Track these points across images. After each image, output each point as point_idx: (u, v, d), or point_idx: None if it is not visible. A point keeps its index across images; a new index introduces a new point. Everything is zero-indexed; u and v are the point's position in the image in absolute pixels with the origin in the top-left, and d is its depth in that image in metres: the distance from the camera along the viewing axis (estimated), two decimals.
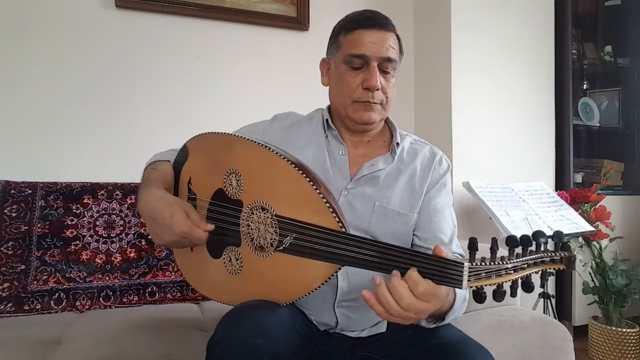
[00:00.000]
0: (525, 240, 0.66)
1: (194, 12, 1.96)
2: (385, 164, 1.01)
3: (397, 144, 1.03)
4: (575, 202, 2.13)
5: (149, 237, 1.58)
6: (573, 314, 2.26)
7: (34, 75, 1.75)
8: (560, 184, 2.37)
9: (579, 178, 2.53)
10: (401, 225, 0.99)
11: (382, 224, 0.97)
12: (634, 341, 1.96)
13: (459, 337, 0.85)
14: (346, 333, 0.97)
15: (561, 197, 2.11)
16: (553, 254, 0.69)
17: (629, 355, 1.96)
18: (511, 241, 0.65)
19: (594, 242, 2.06)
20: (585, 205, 2.12)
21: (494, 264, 0.65)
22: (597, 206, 2.10)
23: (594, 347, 2.04)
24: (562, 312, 2.29)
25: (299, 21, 2.13)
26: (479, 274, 0.65)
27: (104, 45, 1.84)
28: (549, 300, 1.97)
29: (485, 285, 0.65)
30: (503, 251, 0.68)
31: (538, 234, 0.67)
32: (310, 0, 2.14)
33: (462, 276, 0.64)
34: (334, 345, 0.95)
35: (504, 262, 0.65)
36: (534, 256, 0.67)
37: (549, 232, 1.83)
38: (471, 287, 0.65)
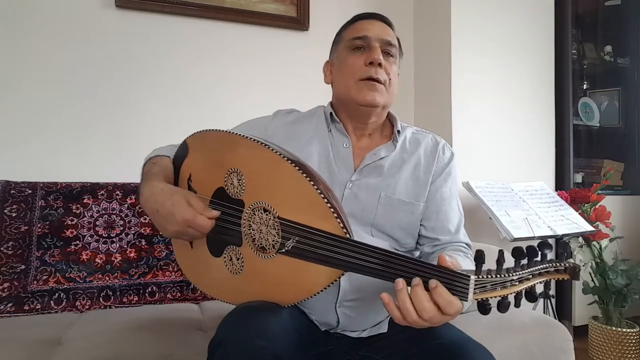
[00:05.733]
0: (531, 251, 0.66)
1: (194, 12, 1.96)
2: (387, 152, 1.01)
3: (398, 132, 1.04)
4: (575, 202, 2.13)
5: (150, 234, 1.59)
6: (573, 314, 2.26)
7: (34, 75, 1.75)
8: (560, 184, 2.37)
9: (579, 178, 2.53)
10: (408, 215, 0.99)
11: (388, 215, 0.97)
12: (634, 341, 1.96)
13: (459, 338, 0.85)
14: (347, 333, 0.97)
15: (561, 197, 2.11)
16: (558, 264, 0.68)
17: (629, 355, 1.96)
18: (517, 252, 0.65)
19: (594, 242, 2.06)
20: (585, 205, 2.12)
21: (500, 276, 0.64)
22: (597, 206, 2.10)
23: (594, 347, 2.04)
24: (562, 312, 2.29)
25: (299, 21, 2.13)
26: (485, 286, 0.65)
27: (104, 45, 1.84)
28: (549, 300, 1.97)
29: (491, 297, 0.65)
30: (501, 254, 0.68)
31: (543, 245, 0.67)
32: (310, 0, 2.14)
33: (468, 288, 0.64)
34: (334, 346, 0.95)
35: (510, 274, 0.65)
36: (539, 267, 0.67)
37: (549, 232, 1.84)
38: (476, 299, 0.65)
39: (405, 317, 0.68)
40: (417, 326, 0.69)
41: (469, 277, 0.64)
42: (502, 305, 0.66)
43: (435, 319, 0.67)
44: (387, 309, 0.70)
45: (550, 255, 0.69)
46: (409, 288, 0.68)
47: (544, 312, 1.94)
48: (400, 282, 0.69)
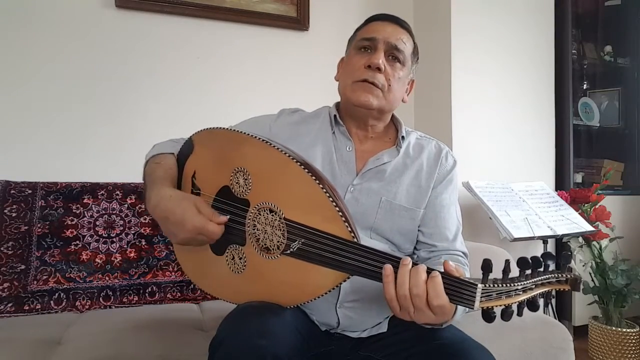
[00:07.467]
0: (535, 262, 0.67)
1: (194, 12, 1.96)
2: (390, 157, 1.01)
3: (403, 137, 1.03)
4: (575, 202, 2.13)
5: (150, 234, 1.59)
6: (573, 314, 2.26)
7: (34, 75, 1.75)
8: (560, 184, 2.37)
9: (579, 178, 2.53)
10: (408, 221, 0.99)
11: (388, 220, 0.97)
12: (634, 341, 1.96)
13: (459, 338, 0.85)
14: (347, 333, 0.97)
15: (561, 197, 2.11)
16: (560, 275, 0.70)
17: (629, 355, 1.96)
18: (523, 263, 0.67)
19: (594, 242, 2.07)
20: (585, 205, 2.12)
21: (506, 285, 0.66)
22: (597, 206, 2.10)
23: (594, 347, 2.04)
24: (562, 312, 2.29)
25: (299, 21, 2.13)
26: (490, 295, 0.66)
27: (104, 45, 1.84)
28: (549, 301, 1.97)
29: (496, 306, 0.66)
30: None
31: (547, 256, 0.68)
32: (310, 0, 2.13)
33: (474, 296, 0.65)
34: (335, 346, 0.95)
35: (515, 284, 0.66)
36: (542, 277, 0.68)
37: (549, 232, 1.84)
38: (482, 307, 0.66)
39: (398, 288, 0.70)
40: (404, 305, 0.70)
41: (476, 285, 0.65)
42: (506, 314, 0.67)
43: (420, 300, 0.68)
44: (384, 281, 0.71)
45: (552, 265, 0.70)
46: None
47: (544, 312, 1.94)
48: (407, 259, 0.72)
